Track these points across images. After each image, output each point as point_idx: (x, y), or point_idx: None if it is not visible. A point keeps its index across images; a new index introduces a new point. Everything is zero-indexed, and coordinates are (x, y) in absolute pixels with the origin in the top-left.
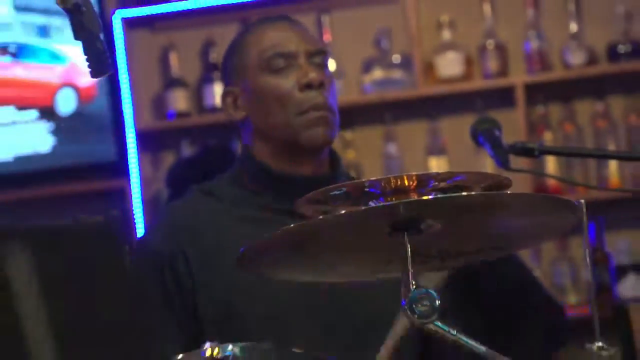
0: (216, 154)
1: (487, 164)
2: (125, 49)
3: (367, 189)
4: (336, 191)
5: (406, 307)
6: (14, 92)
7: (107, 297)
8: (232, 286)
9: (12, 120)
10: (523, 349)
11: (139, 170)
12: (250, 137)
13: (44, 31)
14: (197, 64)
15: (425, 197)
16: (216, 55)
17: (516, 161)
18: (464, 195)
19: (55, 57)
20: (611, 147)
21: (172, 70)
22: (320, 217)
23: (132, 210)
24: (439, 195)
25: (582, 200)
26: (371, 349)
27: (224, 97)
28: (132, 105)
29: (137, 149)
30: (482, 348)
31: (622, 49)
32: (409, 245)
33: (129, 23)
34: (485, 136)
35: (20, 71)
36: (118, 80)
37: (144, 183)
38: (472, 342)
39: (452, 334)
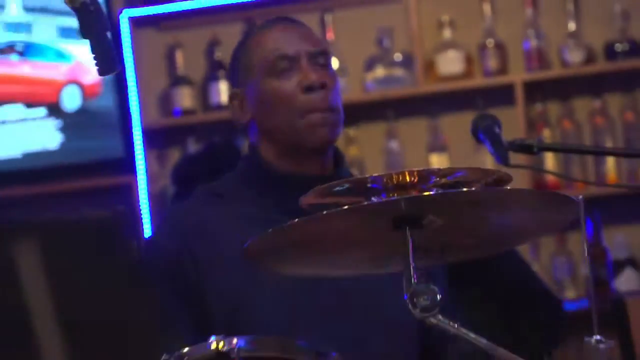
0: (221, 150)
1: (487, 161)
2: (132, 48)
3: (369, 185)
4: (339, 187)
5: (408, 300)
6: (22, 89)
7: (114, 291)
8: (239, 282)
9: (21, 117)
10: (522, 343)
11: (146, 166)
12: (256, 137)
13: (51, 30)
14: (202, 62)
15: (426, 193)
16: (221, 53)
17: (515, 158)
18: (465, 191)
19: (61, 55)
20: (609, 144)
21: (178, 69)
22: (324, 212)
23: (139, 206)
24: (440, 191)
25: (581, 196)
26: (376, 342)
27: (230, 100)
28: (139, 102)
29: (144, 145)
30: (483, 341)
31: (619, 47)
32: (410, 240)
33: (135, 22)
34: (485, 133)
35: (28, 69)
36: (125, 78)
37: (150, 179)
38: (472, 336)
39: (453, 328)
